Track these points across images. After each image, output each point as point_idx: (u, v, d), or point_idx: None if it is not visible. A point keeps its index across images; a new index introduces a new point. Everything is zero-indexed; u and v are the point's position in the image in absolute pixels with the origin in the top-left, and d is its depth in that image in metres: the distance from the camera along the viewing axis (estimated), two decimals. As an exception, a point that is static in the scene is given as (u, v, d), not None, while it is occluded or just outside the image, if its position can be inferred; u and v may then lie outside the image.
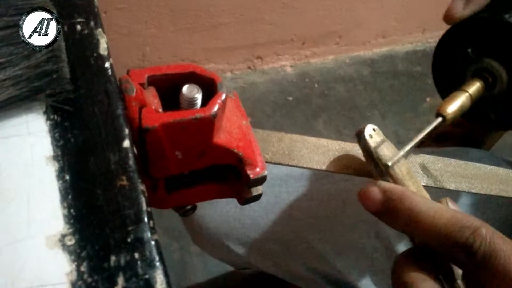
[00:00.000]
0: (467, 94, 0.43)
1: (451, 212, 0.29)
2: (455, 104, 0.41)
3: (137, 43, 1.25)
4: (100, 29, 0.33)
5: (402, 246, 0.50)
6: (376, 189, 0.31)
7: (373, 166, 0.34)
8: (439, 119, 0.40)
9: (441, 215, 0.29)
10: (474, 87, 0.44)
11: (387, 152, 0.34)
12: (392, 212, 0.31)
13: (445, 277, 0.30)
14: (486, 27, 0.44)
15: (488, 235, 0.28)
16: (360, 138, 0.35)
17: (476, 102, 0.44)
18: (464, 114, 0.42)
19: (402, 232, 0.31)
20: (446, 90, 0.48)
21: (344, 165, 0.37)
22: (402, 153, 0.34)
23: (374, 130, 0.35)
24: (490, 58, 0.45)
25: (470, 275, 0.29)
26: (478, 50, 0.46)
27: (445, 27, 0.47)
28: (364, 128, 0.35)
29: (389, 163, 0.33)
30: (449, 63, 0.48)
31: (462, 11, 0.43)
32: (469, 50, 0.46)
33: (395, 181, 0.34)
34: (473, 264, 0.28)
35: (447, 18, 0.44)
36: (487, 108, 0.48)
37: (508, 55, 0.44)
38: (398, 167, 0.34)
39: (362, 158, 0.36)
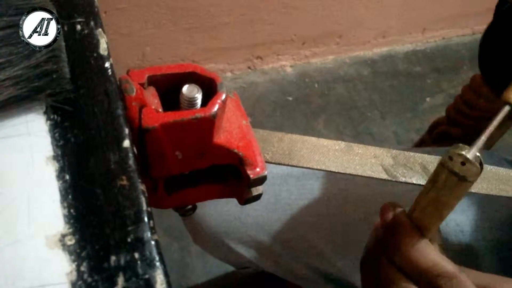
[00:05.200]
0: None
1: (435, 258, 0.32)
2: None
3: (137, 43, 1.25)
4: (100, 29, 0.33)
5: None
6: (390, 214, 0.35)
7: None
8: (507, 108, 0.37)
9: (426, 256, 0.32)
10: None
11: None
12: (390, 236, 0.34)
13: None
14: None
15: (460, 286, 0.31)
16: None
17: None
18: None
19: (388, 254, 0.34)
20: (495, 76, 0.46)
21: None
22: (478, 144, 0.31)
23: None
24: None
25: None
26: None
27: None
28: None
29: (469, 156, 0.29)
30: (499, 49, 0.47)
31: None
32: None
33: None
34: None
35: None
36: None
37: None
38: None
39: (363, 157, 0.36)
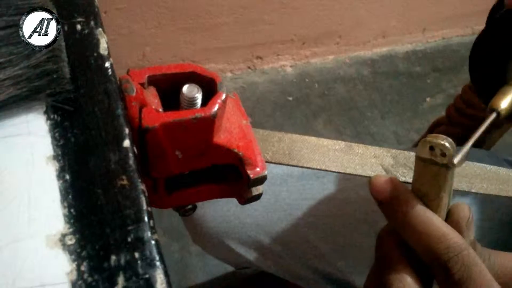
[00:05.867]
0: None
1: (444, 229, 0.30)
2: (508, 99, 0.40)
3: (137, 43, 1.25)
4: (100, 29, 0.33)
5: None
6: (387, 180, 0.33)
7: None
8: (494, 115, 0.39)
9: (436, 228, 0.30)
10: None
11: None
12: (393, 208, 0.32)
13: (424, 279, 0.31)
14: None
15: (469, 261, 0.29)
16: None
17: None
18: None
19: (395, 229, 0.32)
20: (484, 83, 0.46)
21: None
22: (464, 150, 0.32)
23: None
24: None
25: None
26: None
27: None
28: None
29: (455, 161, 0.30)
30: (489, 56, 0.47)
31: None
32: None
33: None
34: (449, 283, 0.29)
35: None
36: None
37: None
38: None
39: (363, 157, 0.36)
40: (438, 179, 0.31)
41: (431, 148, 0.30)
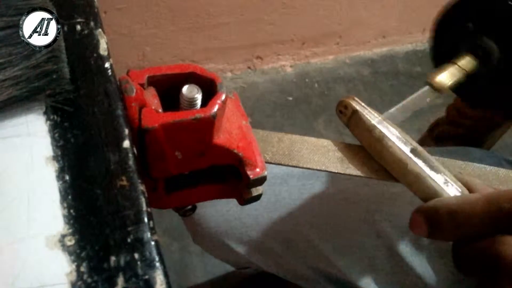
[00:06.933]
0: (456, 66, 0.44)
1: (484, 195, 0.31)
2: (444, 74, 0.43)
3: (137, 43, 1.25)
4: (100, 29, 0.33)
5: (403, 246, 0.50)
6: (418, 215, 0.33)
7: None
8: (426, 87, 0.43)
9: (476, 199, 0.31)
10: (464, 60, 0.45)
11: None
12: (437, 225, 0.32)
13: None
14: (489, 4, 0.45)
15: None
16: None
17: (470, 81, 0.45)
18: (459, 92, 0.44)
19: (453, 240, 0.33)
20: (439, 57, 0.49)
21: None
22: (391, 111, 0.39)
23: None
24: (486, 35, 0.46)
25: None
26: (476, 26, 0.46)
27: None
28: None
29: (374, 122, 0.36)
30: (447, 37, 0.49)
31: None
32: (469, 24, 0.47)
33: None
34: None
35: None
36: (480, 87, 0.49)
37: (503, 35, 0.45)
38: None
39: (363, 158, 0.37)
40: (361, 124, 0.36)
41: (341, 112, 0.37)
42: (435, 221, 0.32)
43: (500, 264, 0.29)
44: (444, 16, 0.49)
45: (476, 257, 0.31)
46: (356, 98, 0.37)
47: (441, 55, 0.51)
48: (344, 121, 0.37)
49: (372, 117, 0.36)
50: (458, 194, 0.34)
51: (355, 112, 0.37)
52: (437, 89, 0.42)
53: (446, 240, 0.33)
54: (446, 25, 0.49)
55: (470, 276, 0.33)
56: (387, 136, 0.35)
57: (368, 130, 0.36)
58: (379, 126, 0.36)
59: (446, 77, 0.43)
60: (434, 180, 0.34)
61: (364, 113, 0.37)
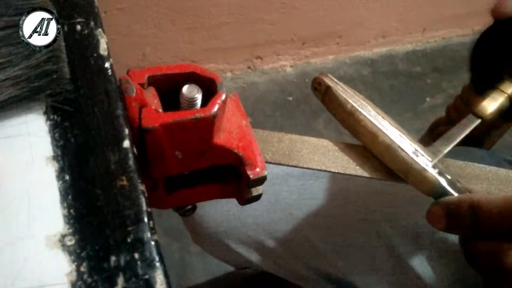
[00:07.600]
0: (506, 95, 0.42)
1: (506, 196, 0.32)
2: (494, 105, 0.41)
3: (137, 43, 1.25)
4: (100, 29, 0.33)
5: (403, 246, 0.50)
6: (436, 207, 0.35)
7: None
8: (478, 121, 0.40)
9: (499, 199, 0.32)
10: (506, 84, 0.43)
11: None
12: (456, 218, 0.34)
13: None
14: None
15: None
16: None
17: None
18: (506, 117, 0.42)
19: (469, 235, 0.34)
20: (481, 84, 0.47)
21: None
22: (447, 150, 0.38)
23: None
24: None
25: None
26: None
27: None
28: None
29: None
30: (488, 58, 0.47)
31: None
32: (507, 48, 0.45)
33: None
34: None
35: (495, 13, 0.43)
36: None
37: None
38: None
39: (363, 158, 0.37)
40: (334, 99, 0.38)
41: (315, 89, 0.39)
42: (456, 214, 0.33)
43: (505, 270, 0.31)
44: (480, 43, 0.47)
45: (484, 255, 0.32)
46: (330, 75, 0.39)
47: (483, 83, 0.49)
48: (318, 97, 0.39)
49: (344, 92, 0.38)
50: (428, 163, 0.35)
51: (328, 88, 0.38)
52: (479, 116, 0.41)
53: (460, 234, 0.35)
54: (483, 52, 0.47)
55: (477, 270, 0.34)
56: (358, 110, 0.37)
57: (341, 105, 0.38)
58: (351, 101, 0.38)
59: (488, 102, 0.41)
60: (404, 150, 0.35)
61: (337, 89, 0.38)
